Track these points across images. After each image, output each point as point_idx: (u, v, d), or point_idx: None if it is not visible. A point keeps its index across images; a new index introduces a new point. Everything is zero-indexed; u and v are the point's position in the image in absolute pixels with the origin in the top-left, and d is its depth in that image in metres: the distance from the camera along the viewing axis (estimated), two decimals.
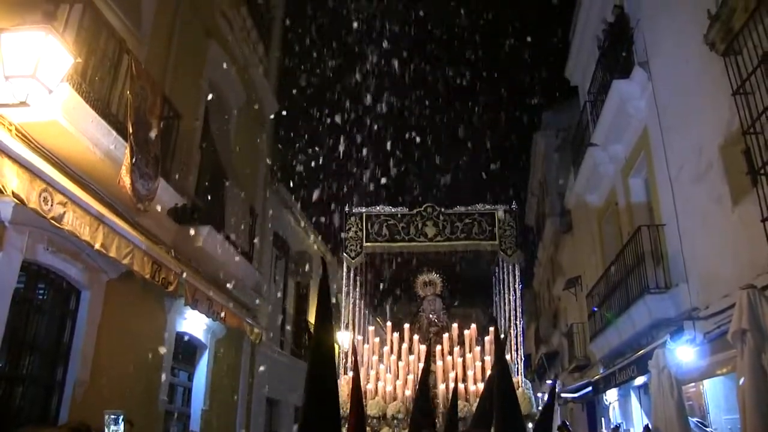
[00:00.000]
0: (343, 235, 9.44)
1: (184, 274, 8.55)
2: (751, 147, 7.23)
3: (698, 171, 9.48)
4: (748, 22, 7.00)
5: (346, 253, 9.33)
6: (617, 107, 12.34)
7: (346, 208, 9.44)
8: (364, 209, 9.48)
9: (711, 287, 9.12)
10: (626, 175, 13.46)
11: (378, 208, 9.49)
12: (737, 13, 7.17)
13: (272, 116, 15.37)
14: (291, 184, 16.45)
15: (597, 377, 14.90)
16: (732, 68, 7.51)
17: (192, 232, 9.38)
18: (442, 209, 9.38)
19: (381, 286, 10.33)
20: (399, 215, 9.39)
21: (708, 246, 9.30)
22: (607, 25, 13.66)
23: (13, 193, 5.33)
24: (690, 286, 9.95)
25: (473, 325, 9.02)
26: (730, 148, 8.31)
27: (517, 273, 9.04)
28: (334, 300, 17.65)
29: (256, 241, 12.62)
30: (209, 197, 10.29)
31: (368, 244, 9.32)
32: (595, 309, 14.29)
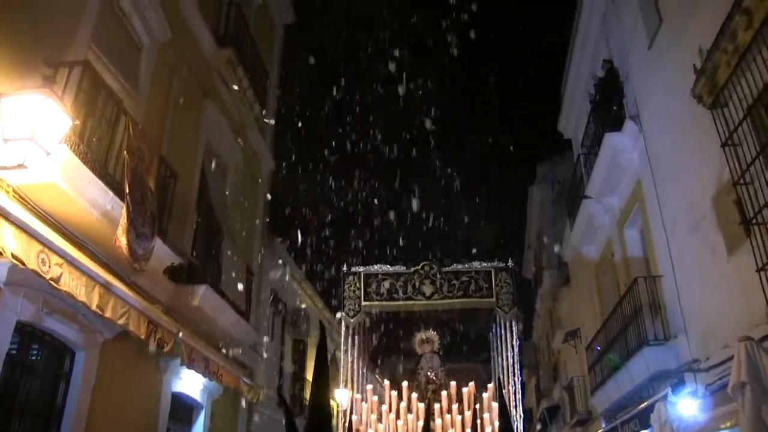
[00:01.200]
0: (341, 293, 9.47)
1: (180, 334, 8.50)
2: (742, 198, 7.31)
3: (692, 222, 9.54)
4: (731, 76, 7.16)
5: (345, 312, 9.35)
6: (610, 160, 12.49)
7: (344, 267, 9.50)
8: (361, 268, 9.54)
9: (711, 338, 9.08)
10: (621, 227, 13.53)
11: (375, 267, 9.56)
12: (721, 68, 7.33)
13: (268, 174, 15.50)
14: (288, 241, 16.50)
15: None
16: (719, 121, 7.64)
17: (188, 291, 9.36)
18: (439, 268, 9.45)
19: (379, 343, 10.29)
20: (396, 274, 9.45)
21: (705, 297, 9.30)
22: (597, 79, 13.92)
23: (12, 254, 5.36)
24: (689, 338, 9.91)
25: (471, 383, 8.97)
26: (722, 199, 8.39)
27: (515, 329, 9.04)
28: (332, 356, 17.53)
29: (252, 299, 12.57)
30: (206, 256, 10.30)
31: (366, 303, 9.34)
32: (598, 348, 14.15)
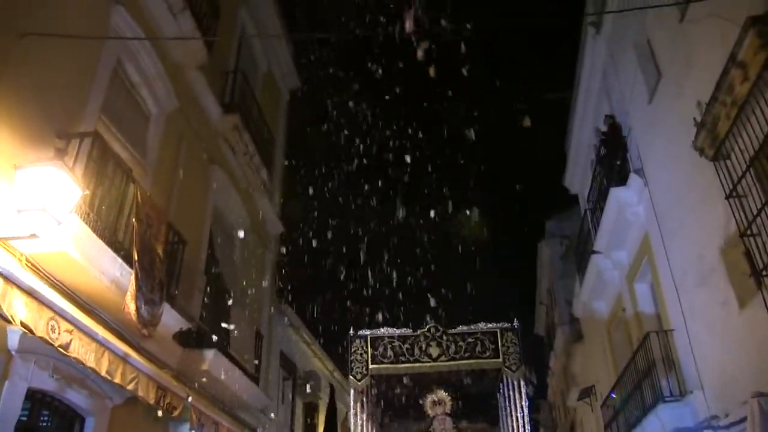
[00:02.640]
0: (348, 357, 9.46)
1: (189, 399, 8.46)
2: (750, 249, 7.29)
3: (702, 274, 9.50)
4: (731, 128, 7.25)
5: (352, 376, 9.34)
6: (616, 214, 12.51)
7: (351, 331, 9.53)
8: (368, 332, 9.57)
9: (729, 393, 8.89)
10: (631, 281, 13.46)
11: (382, 330, 9.59)
12: (721, 120, 7.42)
13: (276, 237, 15.58)
14: (297, 304, 16.47)
15: None
16: (722, 173, 7.69)
17: (197, 355, 9.34)
18: (445, 329, 9.47)
19: (389, 405, 10.19)
20: (402, 336, 9.47)
21: (720, 351, 9.17)
22: (600, 135, 14.07)
23: (21, 323, 5.44)
24: (706, 393, 9.73)
25: None
26: (731, 251, 8.36)
27: (523, 388, 8.98)
28: (344, 418, 17.26)
29: (261, 362, 12.49)
30: (214, 320, 10.30)
31: (374, 366, 9.35)
32: (613, 395, 13.83)
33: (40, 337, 5.66)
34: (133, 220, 7.50)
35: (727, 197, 7.58)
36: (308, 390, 17.26)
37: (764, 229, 6.99)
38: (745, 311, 8.09)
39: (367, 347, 9.50)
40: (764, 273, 6.94)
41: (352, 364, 9.47)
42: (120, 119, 8.71)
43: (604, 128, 13.72)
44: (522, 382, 9.01)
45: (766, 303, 6.90)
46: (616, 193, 12.24)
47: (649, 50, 11.10)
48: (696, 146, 8.27)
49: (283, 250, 16.04)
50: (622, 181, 12.18)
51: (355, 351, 9.48)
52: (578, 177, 18.53)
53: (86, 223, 6.60)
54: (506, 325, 9.45)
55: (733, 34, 6.83)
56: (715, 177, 7.91)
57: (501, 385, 9.41)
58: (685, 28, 9.04)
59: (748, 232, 7.21)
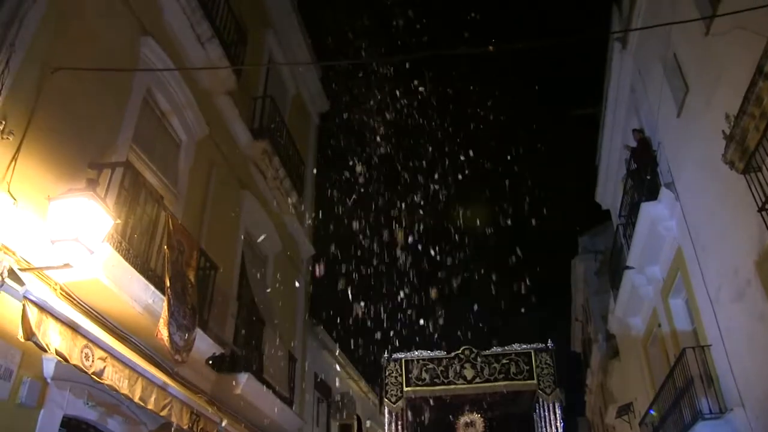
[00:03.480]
0: (383, 380, 9.47)
1: (224, 423, 8.52)
2: None
3: (737, 288, 9.35)
4: (761, 141, 7.16)
5: (387, 398, 9.37)
6: (648, 229, 12.38)
7: (385, 354, 9.57)
8: (402, 354, 9.60)
9: None
10: (666, 297, 13.27)
11: (416, 353, 9.62)
12: (750, 132, 7.35)
13: (308, 259, 15.68)
14: (330, 325, 16.50)
15: None
16: (753, 185, 7.59)
17: (231, 380, 9.42)
18: (479, 351, 9.45)
19: (423, 426, 10.15)
20: (437, 359, 9.48)
21: (760, 366, 8.99)
22: (630, 150, 13.96)
23: (56, 351, 5.55)
24: (747, 410, 9.53)
25: None
26: (766, 264, 8.23)
27: (558, 411, 8.90)
28: None
29: (295, 384, 12.53)
30: (247, 344, 10.38)
31: (408, 388, 9.37)
32: (652, 411, 13.58)
33: (75, 365, 5.77)
34: (165, 247, 7.63)
35: (760, 210, 7.48)
36: (343, 411, 17.24)
37: None
38: None
39: (402, 370, 9.55)
40: None
41: (387, 387, 9.50)
42: (151, 148, 8.90)
43: (633, 143, 13.61)
44: (557, 405, 8.93)
45: None
46: (647, 208, 12.12)
47: (675, 64, 11.03)
48: (726, 159, 8.19)
49: (316, 271, 16.12)
50: (653, 195, 12.07)
51: (390, 374, 9.51)
52: (610, 192, 18.38)
53: (118, 251, 6.73)
54: (540, 345, 9.43)
55: (759, 45, 6.79)
56: (747, 190, 7.82)
57: (537, 405, 9.34)
58: (710, 42, 8.98)
59: None
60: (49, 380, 6.13)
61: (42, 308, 5.66)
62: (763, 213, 7.46)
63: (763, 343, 8.69)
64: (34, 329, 5.43)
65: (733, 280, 9.41)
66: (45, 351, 5.58)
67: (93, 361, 6.10)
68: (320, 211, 17.19)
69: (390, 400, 9.29)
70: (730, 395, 10.00)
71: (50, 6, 6.65)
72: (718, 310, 10.20)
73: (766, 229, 7.50)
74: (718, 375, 10.40)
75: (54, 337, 5.66)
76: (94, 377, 6.08)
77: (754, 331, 8.96)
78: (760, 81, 6.90)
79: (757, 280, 8.57)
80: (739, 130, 7.61)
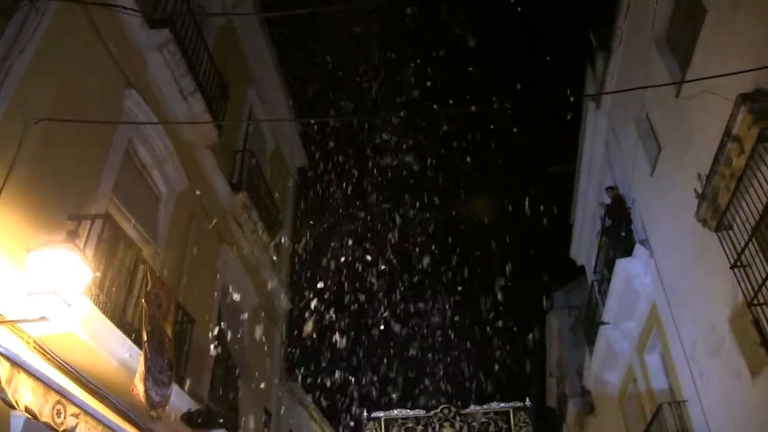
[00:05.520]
0: None
1: None
2: (758, 318, 7.28)
3: (712, 344, 9.43)
4: (732, 200, 7.35)
5: None
6: (624, 285, 12.49)
7: (365, 413, 9.52)
8: (382, 414, 9.57)
9: None
10: (641, 352, 13.33)
11: (396, 411, 9.57)
12: (721, 191, 7.54)
13: (284, 313, 15.56)
14: (306, 380, 16.32)
15: None
16: (726, 243, 7.74)
17: None
18: (458, 410, 9.45)
19: None
20: (416, 418, 9.44)
21: (735, 422, 9.03)
22: (605, 206, 14.18)
23: (26, 407, 5.42)
24: None
25: None
26: (740, 320, 8.33)
27: None
28: None
29: None
30: (223, 399, 10.21)
31: None
32: None
33: (45, 422, 5.64)
34: (143, 300, 7.56)
35: (732, 267, 7.62)
36: None
37: None
38: (758, 381, 8.00)
39: (381, 429, 9.47)
40: None
41: None
42: (131, 200, 8.89)
43: (607, 200, 13.85)
44: None
45: None
46: (622, 264, 12.26)
47: (648, 124, 11.33)
48: (699, 217, 8.37)
49: (293, 326, 16.01)
50: (628, 252, 12.23)
51: None
52: (584, 248, 18.56)
53: (96, 304, 6.66)
54: (518, 404, 9.46)
55: (726, 109, 7.03)
56: (720, 247, 7.97)
57: None
58: (681, 104, 9.26)
59: (755, 301, 7.22)
60: None
61: (13, 362, 5.56)
62: (736, 270, 7.60)
63: (739, 399, 8.74)
64: (4, 385, 5.31)
65: (709, 336, 9.50)
66: (14, 408, 5.44)
67: (65, 417, 5.96)
68: (298, 265, 17.17)
69: None
70: None
71: (36, 57, 6.71)
72: (694, 366, 10.26)
73: (739, 286, 7.63)
74: (695, 431, 10.40)
75: (25, 393, 5.54)
76: None
77: (729, 386, 9.01)
78: (729, 143, 7.12)
79: (731, 337, 8.66)
80: (710, 189, 7.80)
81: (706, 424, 9.91)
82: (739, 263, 7.52)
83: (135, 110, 8.75)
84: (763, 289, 7.11)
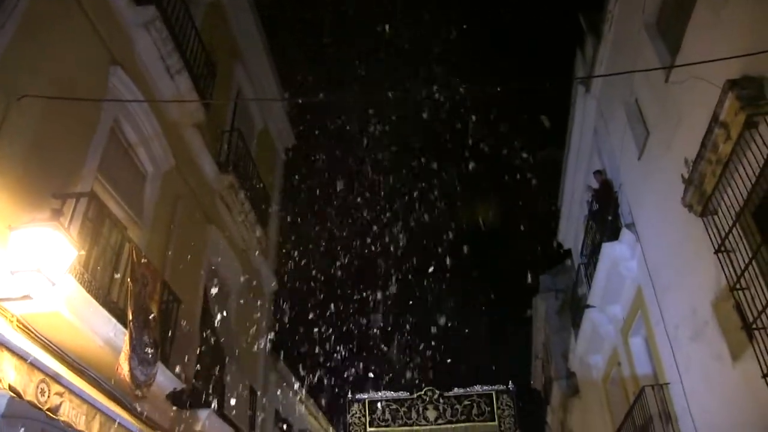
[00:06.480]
0: (347, 420, 9.45)
1: None
2: (740, 303, 7.35)
3: (695, 328, 9.52)
4: (717, 185, 7.39)
5: None
6: (609, 269, 12.57)
7: (349, 395, 9.56)
8: (366, 395, 9.62)
9: None
10: (626, 335, 13.44)
11: (380, 393, 9.62)
12: (707, 177, 7.58)
13: (271, 294, 15.57)
14: (292, 361, 16.36)
15: None
16: (710, 228, 7.80)
17: (191, 416, 9.25)
18: (442, 392, 9.52)
19: None
20: (400, 400, 9.51)
21: (716, 404, 9.14)
22: (592, 191, 14.23)
23: (9, 386, 5.40)
24: None
25: None
26: (722, 305, 8.41)
27: None
28: None
29: (256, 420, 12.35)
30: (209, 379, 10.22)
31: (372, 429, 9.35)
32: None
33: (29, 401, 5.62)
34: (128, 279, 7.54)
35: (716, 252, 7.68)
36: None
37: (753, 282, 7.07)
38: (739, 364, 8.10)
39: (365, 410, 9.56)
40: (754, 326, 6.99)
41: (351, 427, 9.50)
42: (116, 179, 8.83)
43: (595, 184, 13.89)
44: None
45: (758, 356, 6.91)
46: (608, 248, 12.32)
47: (637, 108, 11.34)
48: (685, 202, 8.42)
49: (279, 306, 16.02)
50: (615, 236, 12.28)
51: (353, 414, 9.52)
52: (572, 232, 18.66)
53: (81, 283, 6.63)
54: (501, 387, 9.56)
55: (714, 95, 7.04)
56: (705, 232, 8.03)
57: None
58: (670, 89, 9.28)
59: (738, 286, 7.28)
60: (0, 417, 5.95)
61: None
62: (720, 255, 7.66)
63: (720, 382, 8.84)
64: None
65: (692, 320, 9.59)
66: None
67: (49, 396, 5.95)
68: (285, 246, 17.15)
69: None
70: None
71: (18, 32, 6.62)
72: (677, 349, 10.36)
73: (723, 271, 7.69)
74: (677, 413, 10.53)
75: (8, 371, 5.52)
76: (49, 413, 5.91)
77: (711, 370, 9.11)
78: (715, 128, 7.15)
79: (714, 321, 8.75)
80: (697, 174, 7.84)
81: (687, 406, 10.02)
82: (723, 248, 7.58)
83: (121, 88, 8.66)
84: (746, 274, 7.18)
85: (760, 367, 6.86)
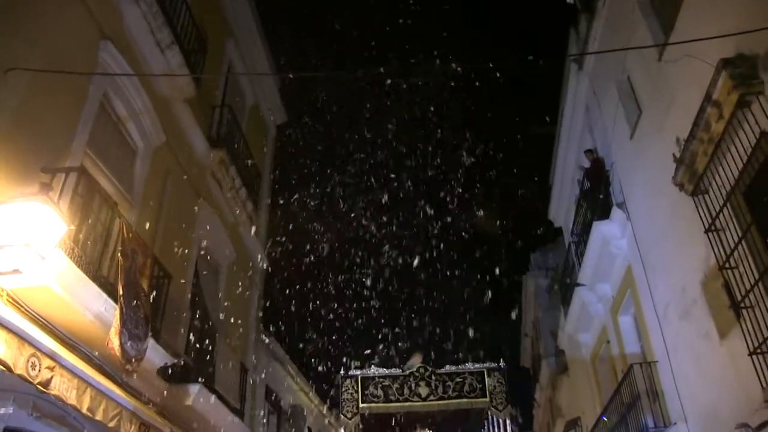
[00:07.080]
0: (339, 396, 9.53)
1: None
2: (729, 282, 7.41)
3: (684, 307, 9.59)
4: (709, 165, 7.40)
5: (343, 414, 9.48)
6: (600, 248, 12.63)
7: (342, 371, 9.66)
8: (358, 372, 9.71)
9: (712, 425, 8.94)
10: (615, 314, 13.54)
11: (372, 370, 9.73)
12: (699, 156, 7.59)
13: (261, 270, 15.57)
14: (283, 337, 16.42)
15: None
16: (701, 207, 7.83)
17: (182, 390, 9.28)
18: (434, 369, 9.62)
19: None
20: (392, 376, 9.60)
21: (703, 382, 9.23)
22: (584, 169, 14.25)
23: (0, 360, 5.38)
24: (690, 425, 9.76)
25: None
26: (711, 283, 8.47)
27: (509, 426, 9.11)
28: None
29: (246, 396, 12.41)
30: (199, 354, 10.24)
31: (364, 405, 9.46)
32: (605, 417, 13.75)
33: (19, 375, 5.60)
34: (119, 254, 7.51)
35: (706, 231, 7.72)
36: (294, 424, 17.11)
37: (742, 262, 7.12)
38: (726, 342, 8.17)
39: (357, 387, 9.66)
40: (742, 305, 7.05)
41: (343, 403, 9.59)
42: (106, 153, 8.75)
43: (586, 163, 13.91)
44: (509, 422, 9.14)
45: (744, 334, 6.98)
46: (599, 227, 12.37)
47: (629, 87, 11.33)
48: (676, 181, 8.44)
49: (269, 283, 16.04)
50: (605, 214, 12.32)
51: (345, 390, 9.60)
52: (563, 210, 18.70)
53: (71, 257, 6.60)
54: (493, 365, 9.68)
55: (707, 73, 7.03)
56: (695, 211, 8.06)
57: (486, 422, 9.55)
58: (663, 67, 9.26)
59: (727, 265, 7.33)
60: None
61: None
62: (710, 234, 7.70)
63: (707, 360, 8.93)
64: None
65: (680, 299, 9.66)
66: None
67: (39, 370, 5.93)
68: (276, 222, 17.14)
69: (346, 416, 9.40)
70: (674, 410, 10.23)
71: (6, 4, 6.53)
72: (665, 328, 10.45)
73: (712, 250, 7.74)
74: (664, 390, 10.65)
75: None
76: (40, 387, 5.90)
77: (698, 348, 9.20)
78: (708, 107, 7.15)
79: (702, 299, 8.81)
80: (688, 153, 7.85)
81: (674, 383, 10.13)
82: (713, 227, 7.62)
83: (110, 62, 8.55)
84: (735, 253, 7.23)
85: (747, 345, 6.93)
